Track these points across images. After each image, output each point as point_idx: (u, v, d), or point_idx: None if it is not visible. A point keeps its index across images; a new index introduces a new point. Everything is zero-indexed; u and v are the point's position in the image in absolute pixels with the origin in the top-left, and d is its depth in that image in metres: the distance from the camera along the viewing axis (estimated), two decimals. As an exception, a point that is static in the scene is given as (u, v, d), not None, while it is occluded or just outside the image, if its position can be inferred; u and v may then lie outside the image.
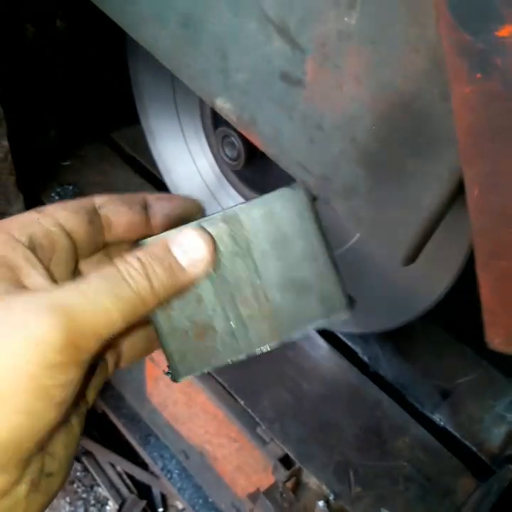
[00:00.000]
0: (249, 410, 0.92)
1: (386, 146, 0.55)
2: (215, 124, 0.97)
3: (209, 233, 0.44)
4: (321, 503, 0.83)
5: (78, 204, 0.45)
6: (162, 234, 0.44)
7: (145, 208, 0.48)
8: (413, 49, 0.49)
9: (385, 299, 0.91)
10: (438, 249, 0.75)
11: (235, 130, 0.89)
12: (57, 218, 0.43)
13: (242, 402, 0.93)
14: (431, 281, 0.84)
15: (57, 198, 1.26)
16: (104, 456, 1.92)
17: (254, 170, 0.93)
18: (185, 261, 0.41)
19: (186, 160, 1.14)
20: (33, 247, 0.41)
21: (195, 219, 0.45)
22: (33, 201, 1.25)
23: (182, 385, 1.18)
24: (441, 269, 0.81)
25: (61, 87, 1.29)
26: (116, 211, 0.47)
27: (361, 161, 0.58)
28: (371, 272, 0.91)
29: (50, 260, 0.43)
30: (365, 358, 1.02)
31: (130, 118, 1.33)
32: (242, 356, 0.48)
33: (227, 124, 0.89)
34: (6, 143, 1.11)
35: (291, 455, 0.87)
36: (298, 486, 0.94)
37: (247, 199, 1.05)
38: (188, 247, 0.42)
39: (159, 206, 0.48)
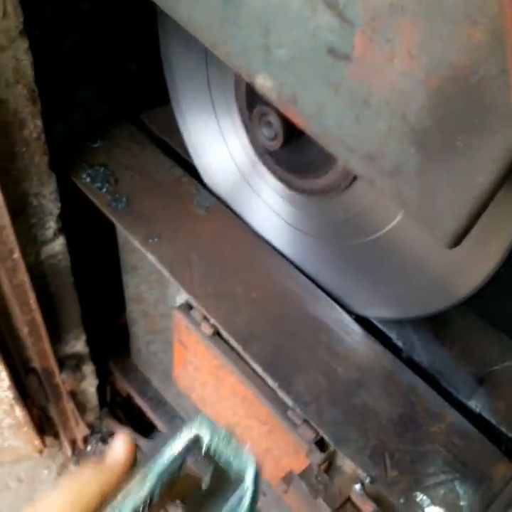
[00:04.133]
0: (284, 392, 0.91)
1: (438, 122, 0.54)
2: (251, 102, 0.95)
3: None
4: (357, 487, 0.82)
5: None
6: None
7: None
8: (472, 21, 0.47)
9: (423, 284, 0.90)
10: (481, 234, 0.73)
11: (273, 108, 0.87)
12: None
13: (276, 385, 0.92)
14: (472, 268, 0.82)
15: (88, 179, 1.26)
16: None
17: (291, 150, 0.92)
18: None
19: (218, 142, 1.12)
20: None
21: None
22: (64, 182, 1.25)
23: (211, 368, 1.17)
24: (483, 255, 0.79)
25: (89, 67, 1.28)
26: None
27: (411, 139, 0.57)
28: (410, 257, 0.89)
29: None
30: (400, 344, 1.01)
31: (159, 99, 1.32)
32: None
33: (264, 102, 0.88)
34: (39, 122, 1.11)
35: (327, 438, 0.87)
36: (331, 469, 0.93)
37: (282, 181, 1.04)
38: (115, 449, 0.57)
39: None
